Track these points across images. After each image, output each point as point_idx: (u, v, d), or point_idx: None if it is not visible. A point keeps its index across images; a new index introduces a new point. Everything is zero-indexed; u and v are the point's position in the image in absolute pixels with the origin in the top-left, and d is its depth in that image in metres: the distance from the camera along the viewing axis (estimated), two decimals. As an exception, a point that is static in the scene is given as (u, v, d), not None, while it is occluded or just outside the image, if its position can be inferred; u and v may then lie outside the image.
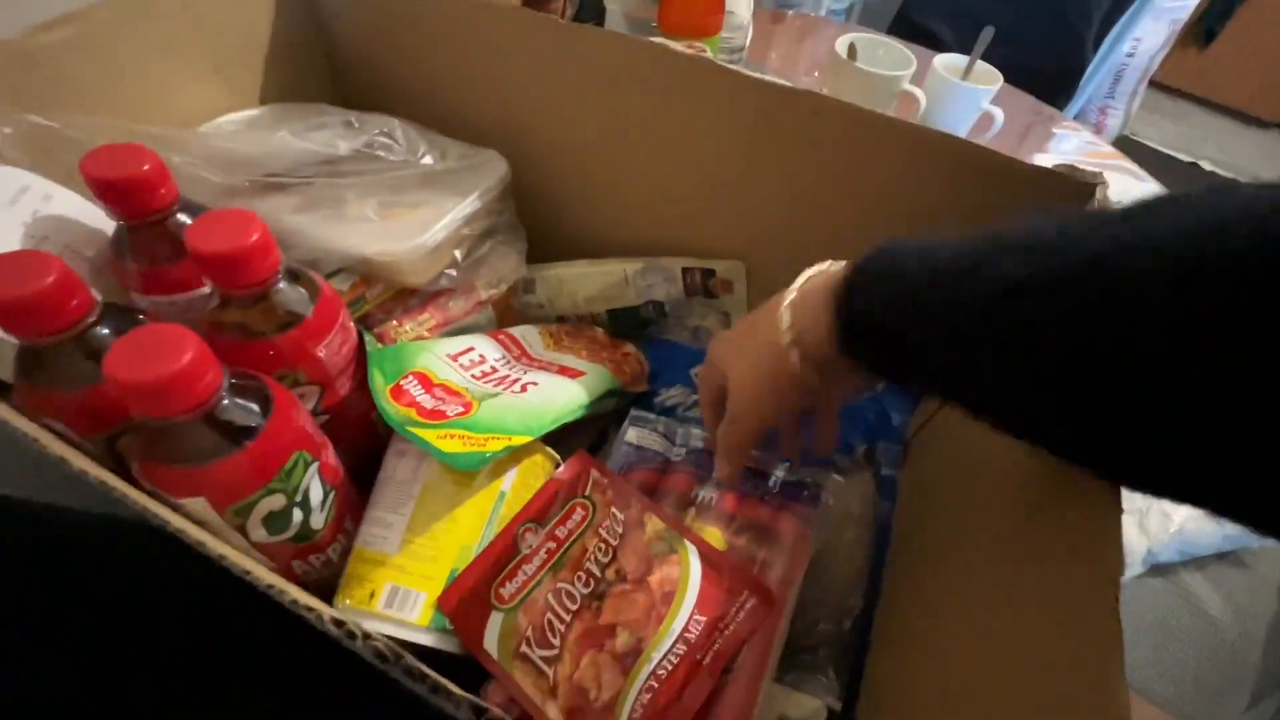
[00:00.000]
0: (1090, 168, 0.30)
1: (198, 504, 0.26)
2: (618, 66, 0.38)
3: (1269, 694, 0.42)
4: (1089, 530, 0.20)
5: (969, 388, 0.23)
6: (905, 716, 0.30)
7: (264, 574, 0.16)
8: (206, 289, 0.33)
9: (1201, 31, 2.00)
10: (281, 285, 0.30)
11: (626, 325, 0.50)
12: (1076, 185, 0.30)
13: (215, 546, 0.17)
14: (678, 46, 0.64)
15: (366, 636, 0.15)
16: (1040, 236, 0.20)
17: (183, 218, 0.32)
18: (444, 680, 0.15)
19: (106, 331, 0.27)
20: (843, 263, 0.28)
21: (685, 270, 0.47)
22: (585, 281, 0.48)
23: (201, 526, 0.27)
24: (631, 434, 0.39)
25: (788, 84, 0.35)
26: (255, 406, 0.27)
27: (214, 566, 0.22)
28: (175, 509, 0.26)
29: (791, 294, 0.30)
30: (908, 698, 0.30)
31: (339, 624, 0.15)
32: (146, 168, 0.29)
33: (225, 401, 0.25)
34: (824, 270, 0.29)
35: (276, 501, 0.28)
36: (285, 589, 0.16)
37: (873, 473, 0.42)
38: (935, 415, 0.41)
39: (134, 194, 0.29)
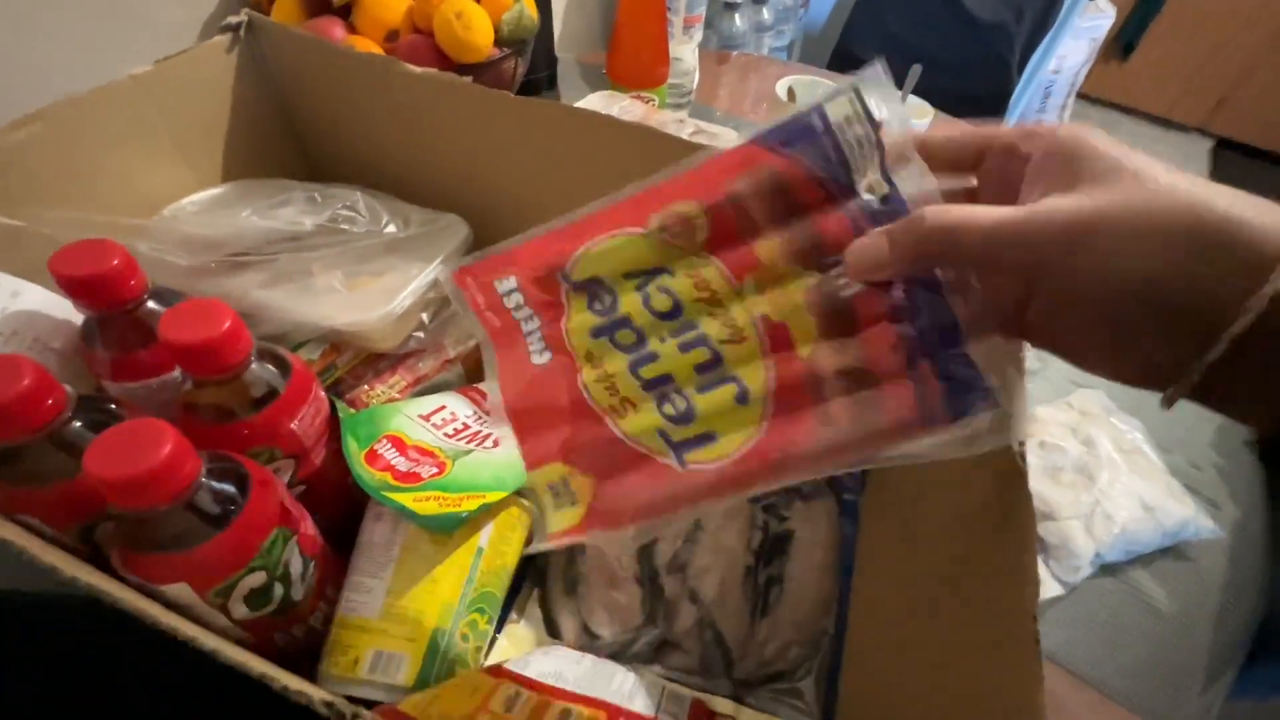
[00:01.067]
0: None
1: (180, 589, 0.27)
2: (566, 136, 0.41)
3: (1219, 676, 0.45)
4: (1012, 547, 0.22)
5: None
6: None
7: (257, 663, 0.17)
8: (177, 373, 0.34)
9: (1120, 45, 2.13)
10: (253, 366, 0.31)
11: (593, 370, 0.51)
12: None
13: (206, 641, 0.18)
14: (626, 98, 0.67)
15: (356, 716, 0.16)
16: None
17: (153, 305, 0.32)
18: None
19: (80, 424, 0.28)
20: None
21: (646, 315, 0.49)
22: (551, 331, 0.50)
23: (184, 610, 0.28)
24: (836, 107, 0.24)
25: (729, 135, 0.38)
26: (233, 488, 0.28)
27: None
28: (156, 595, 0.27)
29: None
30: (880, 717, 0.32)
31: (329, 705, 0.16)
32: (115, 262, 0.30)
33: (204, 487, 0.26)
34: None
35: (257, 579, 0.29)
36: (277, 676, 0.17)
37: (835, 497, 0.44)
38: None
39: (104, 288, 0.30)
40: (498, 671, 0.33)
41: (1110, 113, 2.28)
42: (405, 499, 0.33)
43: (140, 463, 0.24)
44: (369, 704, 0.31)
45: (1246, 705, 0.45)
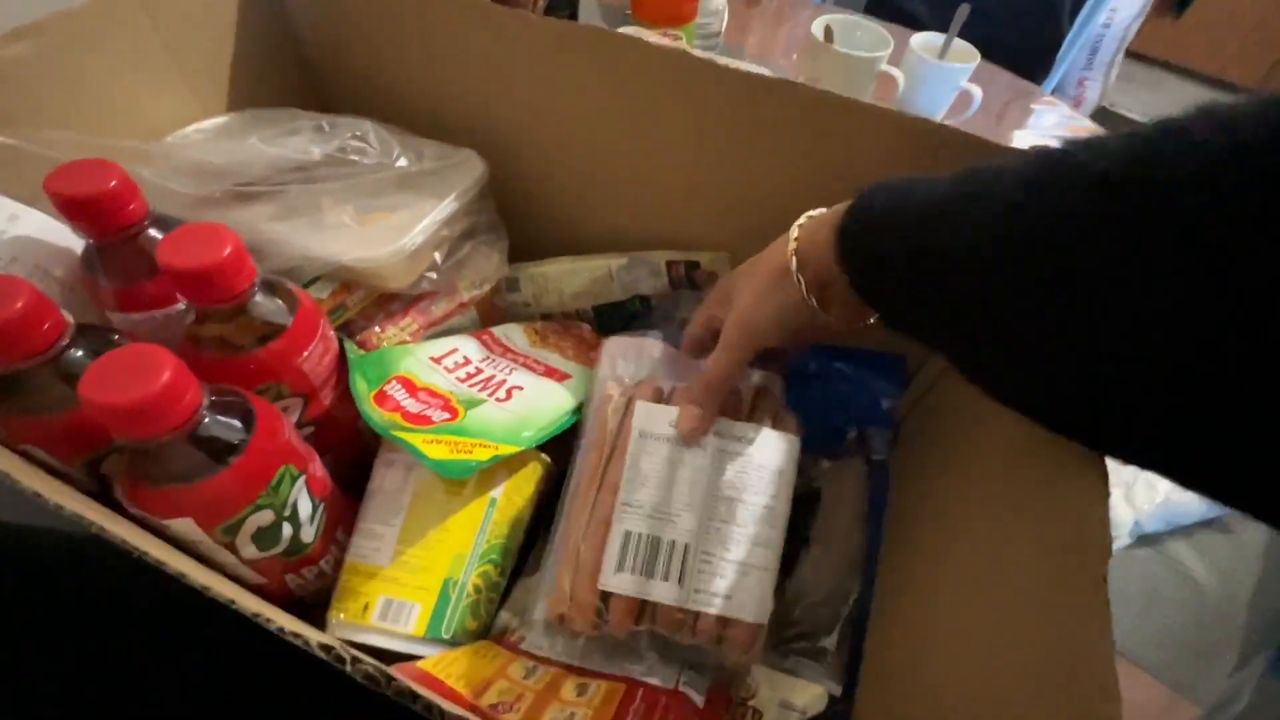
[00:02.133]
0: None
1: (185, 524, 0.26)
2: (592, 61, 0.38)
3: (1255, 654, 0.43)
4: (1076, 505, 0.21)
5: (959, 320, 0.23)
6: (904, 699, 0.30)
7: (250, 601, 0.16)
8: (182, 304, 0.32)
9: (1174, 0, 2.00)
10: (258, 298, 0.30)
11: (613, 321, 0.49)
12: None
13: (197, 577, 0.17)
14: (652, 36, 0.63)
15: (355, 661, 0.15)
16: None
17: (154, 233, 0.31)
18: (438, 700, 0.15)
19: (81, 353, 0.27)
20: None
21: (670, 263, 0.46)
22: (570, 278, 0.48)
23: (190, 546, 0.27)
24: None
25: (764, 73, 0.35)
26: (238, 423, 0.27)
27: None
28: (161, 530, 0.26)
29: (799, 221, 0.31)
30: (906, 680, 0.31)
31: (327, 649, 0.15)
32: (113, 183, 0.29)
33: (207, 419, 0.25)
34: (823, 210, 0.31)
35: (265, 517, 0.28)
36: (273, 616, 0.15)
37: (864, 458, 0.42)
38: (924, 399, 0.42)
39: (102, 211, 0.29)
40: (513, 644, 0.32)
41: (1158, 71, 2.15)
42: (415, 440, 0.32)
43: (138, 390, 0.22)
44: (379, 653, 0.30)
45: (1282, 684, 0.44)
